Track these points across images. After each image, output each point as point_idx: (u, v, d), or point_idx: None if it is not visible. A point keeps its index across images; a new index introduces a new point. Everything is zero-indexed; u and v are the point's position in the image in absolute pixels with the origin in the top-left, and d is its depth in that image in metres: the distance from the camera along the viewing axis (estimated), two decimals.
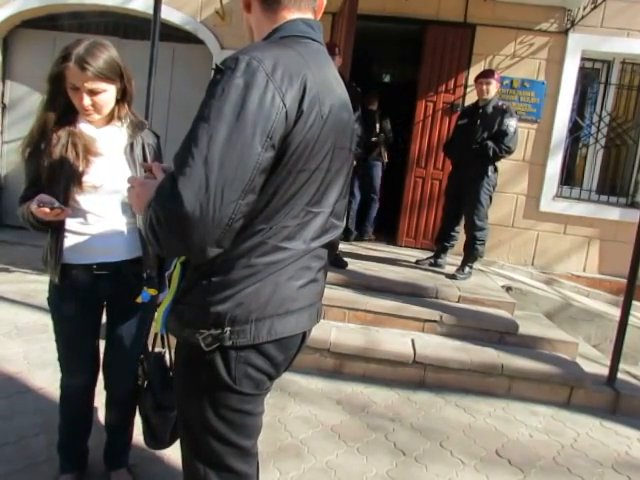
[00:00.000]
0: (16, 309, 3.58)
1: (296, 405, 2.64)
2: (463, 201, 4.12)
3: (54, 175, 1.52)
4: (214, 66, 0.93)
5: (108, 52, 1.52)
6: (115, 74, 1.53)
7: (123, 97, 1.60)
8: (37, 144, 1.55)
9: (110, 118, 1.61)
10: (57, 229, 1.57)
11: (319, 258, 1.11)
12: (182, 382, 1.13)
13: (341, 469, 2.15)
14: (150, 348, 1.73)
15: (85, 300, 1.65)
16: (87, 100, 1.50)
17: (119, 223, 1.63)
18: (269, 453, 2.15)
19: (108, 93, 1.52)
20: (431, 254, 4.55)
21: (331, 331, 3.19)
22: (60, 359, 1.73)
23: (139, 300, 1.63)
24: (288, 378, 2.83)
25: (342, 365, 3.09)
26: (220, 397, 1.04)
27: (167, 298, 1.09)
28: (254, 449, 1.17)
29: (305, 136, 0.95)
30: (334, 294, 3.44)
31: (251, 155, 0.87)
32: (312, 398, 2.74)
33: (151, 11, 3.57)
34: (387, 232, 5.69)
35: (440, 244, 4.44)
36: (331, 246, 1.15)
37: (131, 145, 1.62)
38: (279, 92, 0.89)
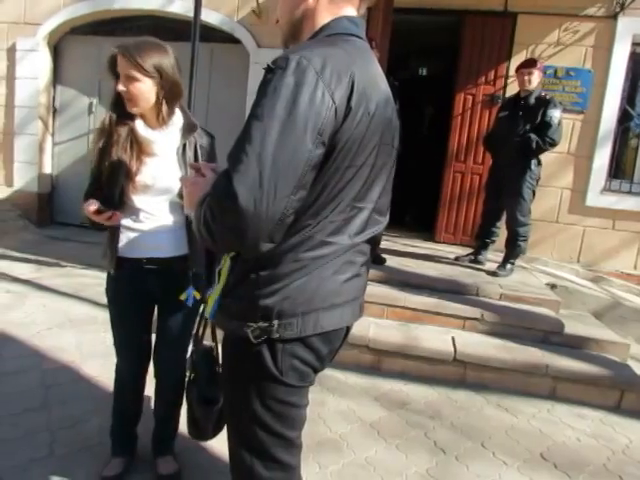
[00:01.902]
0: (68, 302, 3.74)
1: (335, 400, 2.65)
2: (504, 196, 4.01)
3: (112, 173, 1.62)
4: (265, 66, 0.95)
5: (153, 48, 1.58)
6: (153, 68, 1.56)
7: (169, 97, 1.65)
8: (100, 142, 1.64)
9: (157, 116, 1.66)
10: (114, 226, 1.68)
11: (362, 253, 1.12)
12: (230, 373, 1.16)
13: (380, 465, 2.15)
14: (198, 342, 1.76)
15: (136, 292, 1.74)
16: (121, 85, 1.56)
17: (168, 221, 1.71)
18: (309, 446, 2.17)
19: (143, 85, 1.56)
20: (471, 250, 4.46)
21: (370, 327, 3.18)
22: (115, 344, 1.85)
23: (183, 298, 1.70)
24: (327, 373, 2.84)
25: (380, 361, 3.08)
26: (267, 388, 1.07)
27: (216, 291, 1.12)
28: (298, 441, 1.19)
29: (353, 133, 0.97)
30: (373, 290, 3.42)
31: (303, 152, 0.90)
32: (351, 394, 2.75)
33: (190, 13, 3.66)
34: (425, 228, 5.62)
35: (480, 240, 4.34)
36: (373, 241, 1.16)
37: (183, 146, 1.69)
38: (328, 90, 0.91)
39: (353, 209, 1.04)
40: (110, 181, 1.64)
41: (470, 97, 5.08)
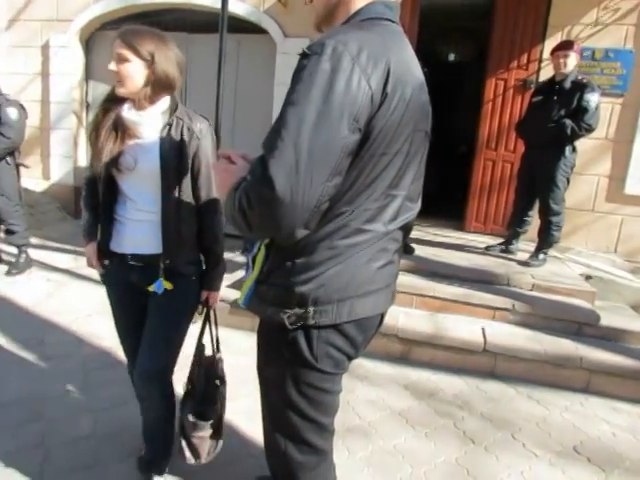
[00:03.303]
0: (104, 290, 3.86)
1: (364, 388, 2.67)
2: (537, 184, 3.91)
3: (97, 155, 1.59)
4: (301, 51, 0.95)
5: (152, 37, 1.56)
6: (145, 52, 1.54)
7: (157, 85, 1.59)
8: (92, 135, 1.65)
9: (143, 99, 1.60)
10: (105, 216, 1.66)
11: (395, 240, 1.12)
12: (265, 359, 1.19)
13: (409, 453, 2.16)
14: (201, 354, 1.75)
15: (126, 289, 1.71)
16: (112, 64, 1.55)
17: (153, 212, 1.61)
18: (338, 432, 2.15)
19: (132, 65, 1.54)
20: (502, 240, 4.38)
21: (399, 317, 3.18)
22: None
23: (151, 289, 1.62)
24: (356, 362, 2.82)
25: (409, 351, 3.08)
26: (301, 374, 1.09)
27: (250, 278, 1.14)
28: (331, 427, 1.21)
29: (389, 119, 0.96)
30: (402, 280, 3.35)
31: (338, 138, 0.89)
32: (380, 382, 2.76)
33: (217, 5, 3.67)
34: (455, 217, 5.54)
35: (512, 229, 4.26)
36: (406, 228, 1.16)
37: (169, 126, 1.61)
38: (364, 75, 0.90)
39: (387, 197, 1.04)
40: (95, 162, 1.60)
41: (502, 82, 4.95)
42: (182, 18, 5.68)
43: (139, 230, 1.63)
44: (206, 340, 1.78)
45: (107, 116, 1.61)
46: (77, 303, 3.53)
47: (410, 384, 2.79)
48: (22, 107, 3.99)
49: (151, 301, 1.67)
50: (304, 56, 0.93)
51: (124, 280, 1.69)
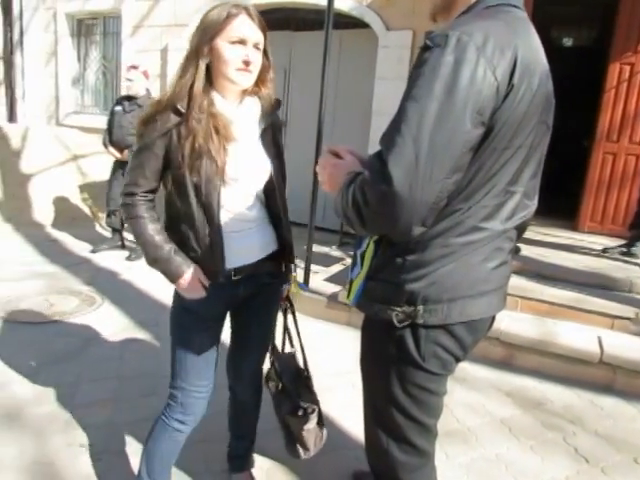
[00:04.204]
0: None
1: (463, 391, 2.57)
2: None
3: (189, 167, 1.29)
4: (422, 44, 0.92)
5: None
6: (266, 35, 1.34)
7: (265, 75, 1.40)
8: (171, 125, 1.28)
9: (246, 90, 1.39)
10: (215, 233, 1.36)
11: (510, 240, 1.07)
12: (370, 355, 1.18)
13: (513, 465, 2.04)
14: (278, 350, 1.71)
15: (224, 306, 1.52)
16: (253, 53, 1.29)
17: (256, 220, 1.46)
18: None
19: (261, 54, 1.34)
20: (623, 242, 3.96)
21: (502, 319, 3.01)
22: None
23: (294, 291, 1.57)
24: None
25: (512, 356, 2.91)
26: (407, 373, 1.07)
27: (360, 276, 1.13)
28: (435, 429, 1.18)
29: (514, 111, 0.91)
30: None
31: (461, 132, 0.86)
32: (479, 386, 2.64)
33: (322, 2, 3.72)
34: (566, 216, 5.11)
35: (635, 230, 3.83)
36: (521, 228, 1.10)
37: (264, 128, 1.43)
38: (490, 66, 0.86)
39: (507, 193, 0.99)
40: (186, 177, 1.29)
41: (627, 67, 4.45)
42: (286, 17, 5.85)
43: (242, 242, 1.42)
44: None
45: (201, 106, 1.28)
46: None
47: (513, 391, 2.63)
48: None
49: (242, 307, 1.54)
50: (426, 49, 0.90)
51: (225, 297, 1.46)
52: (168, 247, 1.35)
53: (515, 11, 0.98)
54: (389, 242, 1.04)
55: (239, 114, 1.38)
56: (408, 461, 1.18)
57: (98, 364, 2.60)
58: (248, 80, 1.32)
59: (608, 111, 4.56)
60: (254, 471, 1.86)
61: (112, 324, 3.10)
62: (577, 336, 2.90)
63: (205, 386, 1.50)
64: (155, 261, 1.35)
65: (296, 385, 1.60)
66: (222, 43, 1.27)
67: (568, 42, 6.98)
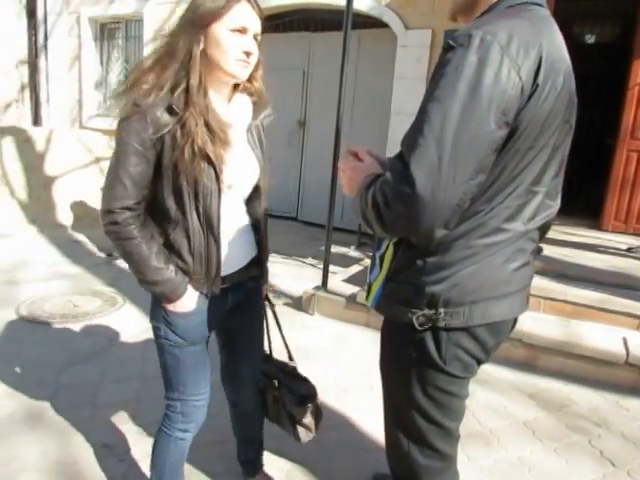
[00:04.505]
0: None
1: (484, 393, 2.54)
2: None
3: (186, 173, 1.16)
4: (444, 44, 0.90)
5: None
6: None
7: (257, 70, 1.30)
8: (163, 126, 1.13)
9: (237, 86, 1.30)
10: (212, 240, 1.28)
11: (533, 240, 1.06)
12: (390, 358, 1.17)
13: (536, 468, 2.01)
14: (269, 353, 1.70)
15: (218, 318, 1.43)
16: (252, 44, 1.18)
17: (245, 227, 1.39)
18: None
19: (257, 48, 1.23)
20: None
21: (524, 321, 2.96)
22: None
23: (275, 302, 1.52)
24: None
25: (535, 358, 2.86)
26: (428, 376, 1.06)
27: (379, 278, 1.12)
28: (457, 432, 1.17)
29: (539, 110, 0.90)
30: None
31: (485, 134, 0.85)
32: (501, 388, 2.61)
33: (341, 3, 3.71)
34: (589, 215, 5.01)
35: None
36: (544, 228, 1.09)
37: (253, 128, 1.35)
38: (514, 66, 0.85)
39: (529, 193, 0.98)
40: (180, 184, 1.18)
41: None
42: (305, 18, 5.86)
43: (233, 249, 1.35)
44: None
45: (196, 104, 1.15)
46: None
47: (536, 393, 2.59)
48: None
49: (235, 312, 1.47)
50: (449, 48, 0.89)
51: (214, 308, 1.37)
52: (170, 268, 1.23)
53: (538, 9, 0.97)
54: (409, 244, 1.03)
55: (231, 113, 1.27)
56: (430, 465, 1.17)
57: (121, 364, 2.64)
58: (246, 72, 1.22)
59: (632, 108, 4.45)
60: (274, 472, 1.86)
61: (134, 325, 3.15)
62: (602, 337, 2.84)
63: (204, 393, 1.44)
64: (154, 284, 1.23)
65: (290, 378, 1.62)
66: (221, 30, 1.14)
67: (591, 39, 6.84)
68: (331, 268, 3.66)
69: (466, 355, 1.05)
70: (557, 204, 1.10)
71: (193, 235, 1.22)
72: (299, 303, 3.54)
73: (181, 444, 1.46)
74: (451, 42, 0.89)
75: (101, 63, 7.15)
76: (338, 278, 3.77)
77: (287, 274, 4.27)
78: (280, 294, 1.40)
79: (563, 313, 3.10)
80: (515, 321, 1.13)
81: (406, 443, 1.16)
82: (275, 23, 5.94)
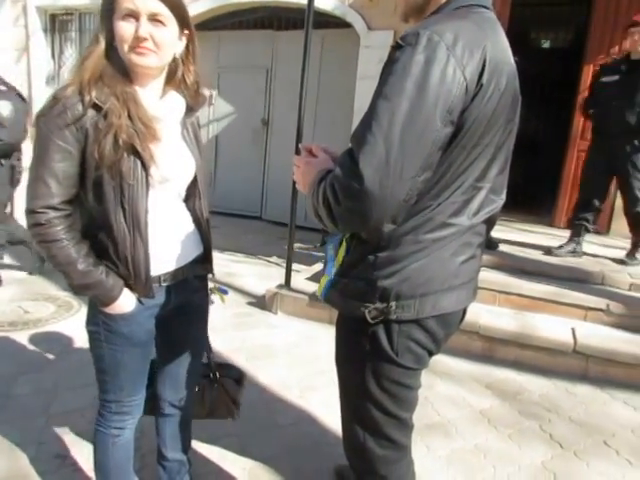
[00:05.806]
0: None
1: (444, 385, 2.64)
2: (620, 174, 3.56)
3: (110, 166, 1.12)
4: (393, 43, 0.92)
5: None
6: (180, 11, 1.16)
7: (188, 58, 1.26)
8: (79, 115, 1.08)
9: (170, 82, 1.26)
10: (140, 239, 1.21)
11: (479, 234, 1.10)
12: (344, 352, 1.19)
13: (491, 453, 2.11)
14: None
15: (156, 318, 1.36)
16: (145, 27, 1.09)
17: (182, 222, 1.35)
18: (416, 429, 2.12)
19: (169, 31, 1.14)
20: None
21: (481, 314, 3.09)
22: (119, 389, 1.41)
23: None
24: (436, 358, 2.69)
25: (492, 349, 2.99)
26: (382, 369, 1.09)
27: (331, 272, 1.14)
28: (411, 422, 1.21)
29: (482, 110, 0.93)
30: (484, 276, 3.28)
31: (431, 131, 0.88)
32: (460, 379, 2.71)
33: (303, 1, 3.73)
34: (543, 212, 5.24)
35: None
36: (490, 222, 1.13)
37: (188, 124, 1.33)
38: (460, 66, 0.88)
39: (474, 189, 1.02)
40: (106, 178, 1.13)
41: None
42: (268, 16, 5.85)
43: (170, 246, 1.31)
44: None
45: (115, 93, 1.12)
46: None
47: (493, 383, 2.71)
48: (22, 98, 3.48)
49: (179, 311, 1.41)
50: (397, 47, 0.91)
51: (155, 308, 1.33)
52: (100, 270, 1.18)
53: (484, 12, 1.00)
54: (361, 239, 1.05)
55: (162, 108, 1.23)
56: (386, 455, 1.20)
57: (77, 371, 2.51)
58: (149, 60, 1.13)
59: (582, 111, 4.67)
60: (236, 472, 1.86)
61: None
62: (553, 328, 3.00)
63: (141, 392, 1.39)
64: (85, 287, 1.19)
65: (219, 369, 1.69)
66: (116, 19, 1.10)
67: (546, 43, 7.11)
68: (295, 267, 3.69)
69: (417, 347, 1.08)
70: (502, 199, 1.14)
71: (118, 235, 1.17)
72: (263, 302, 3.55)
73: (118, 441, 1.39)
74: (399, 41, 0.91)
75: (52, 57, 6.80)
76: (301, 276, 3.81)
77: (252, 273, 4.28)
78: (224, 292, 1.39)
79: (518, 306, 3.25)
80: (464, 313, 1.18)
81: (362, 435, 1.18)
82: (238, 20, 5.91)
